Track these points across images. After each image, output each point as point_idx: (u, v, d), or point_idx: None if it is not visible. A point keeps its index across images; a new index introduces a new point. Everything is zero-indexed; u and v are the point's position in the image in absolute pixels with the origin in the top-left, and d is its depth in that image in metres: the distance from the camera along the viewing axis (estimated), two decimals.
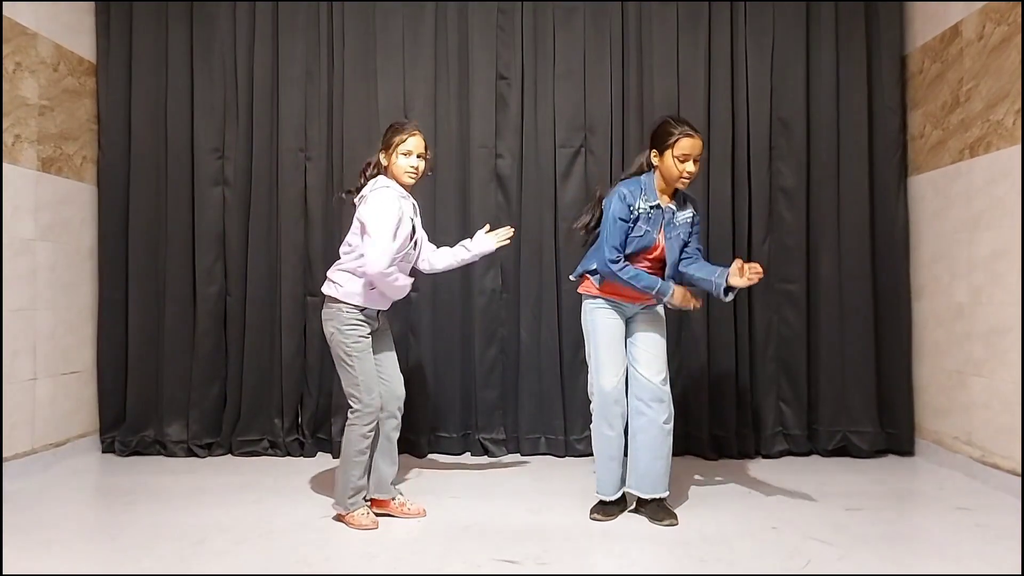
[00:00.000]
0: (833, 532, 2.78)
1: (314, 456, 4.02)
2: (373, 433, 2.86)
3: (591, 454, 3.97)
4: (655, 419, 2.91)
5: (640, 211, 2.86)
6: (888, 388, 4.06)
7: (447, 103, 4.11)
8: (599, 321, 2.95)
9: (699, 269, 2.95)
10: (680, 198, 2.98)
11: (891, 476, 3.67)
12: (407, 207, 2.88)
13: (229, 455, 4.05)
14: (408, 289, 2.93)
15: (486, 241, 3.12)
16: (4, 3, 3.48)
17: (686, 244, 2.98)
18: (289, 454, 4.03)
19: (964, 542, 2.69)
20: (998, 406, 3.43)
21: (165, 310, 4.06)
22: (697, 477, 3.61)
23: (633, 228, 2.86)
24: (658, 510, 2.92)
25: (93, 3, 4.15)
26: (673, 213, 2.92)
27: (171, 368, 4.06)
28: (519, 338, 4.07)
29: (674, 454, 3.96)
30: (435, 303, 4.07)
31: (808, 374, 4.07)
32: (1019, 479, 3.24)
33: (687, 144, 2.81)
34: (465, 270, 4.09)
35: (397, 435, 2.99)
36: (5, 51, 3.50)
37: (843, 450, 4.01)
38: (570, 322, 4.04)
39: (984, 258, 3.52)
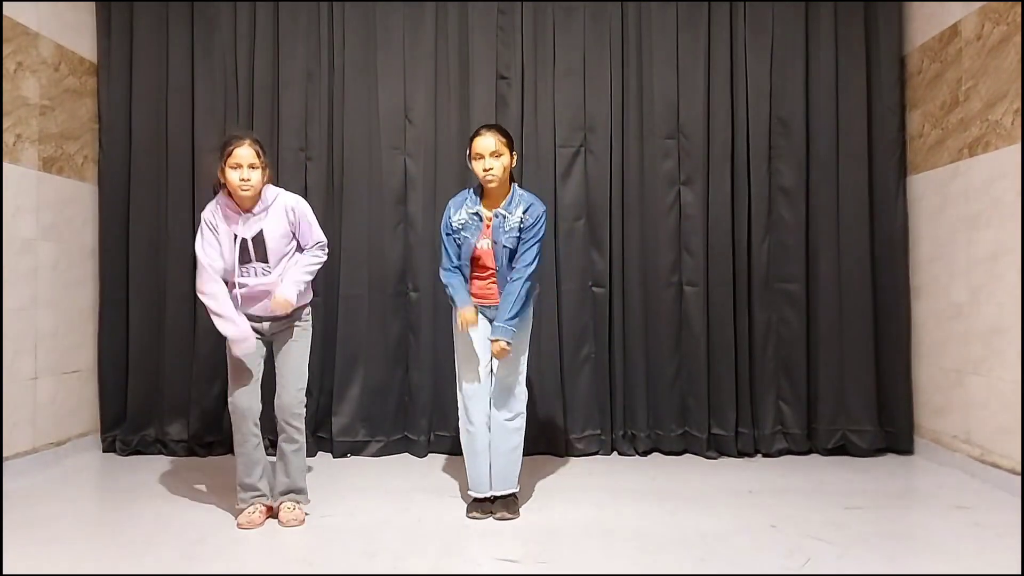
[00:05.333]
0: (832, 530, 2.78)
1: (314, 455, 4.03)
2: (243, 433, 2.87)
3: (592, 453, 4.02)
4: (497, 418, 2.97)
5: (459, 222, 2.96)
6: (887, 387, 4.06)
7: (447, 103, 4.11)
8: (456, 328, 3.04)
9: (504, 297, 2.95)
10: (516, 202, 2.95)
11: (890, 475, 3.67)
12: (228, 227, 2.83)
13: (230, 454, 4.02)
14: (247, 302, 2.87)
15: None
16: (5, 3, 3.49)
17: (522, 241, 2.94)
18: None
19: (963, 541, 2.69)
20: (997, 405, 3.43)
21: (166, 309, 4.07)
22: (697, 476, 3.62)
23: (459, 238, 2.97)
24: (500, 507, 2.96)
25: (94, 3, 4.16)
26: (504, 219, 2.93)
27: (172, 367, 4.07)
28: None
29: (674, 453, 4.02)
30: (435, 303, 4.07)
31: (807, 373, 4.08)
32: (1018, 478, 3.24)
33: (476, 144, 2.92)
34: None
35: (290, 448, 2.92)
36: (6, 51, 3.51)
37: (842, 449, 4.02)
38: (569, 322, 4.04)
39: (983, 257, 3.53)
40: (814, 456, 4.03)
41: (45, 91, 3.79)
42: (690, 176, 4.07)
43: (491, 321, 3.01)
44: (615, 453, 4.06)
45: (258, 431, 2.93)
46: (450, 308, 4.04)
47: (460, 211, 2.99)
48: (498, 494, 2.97)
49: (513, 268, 2.94)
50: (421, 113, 4.10)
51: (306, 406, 2.96)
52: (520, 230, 2.93)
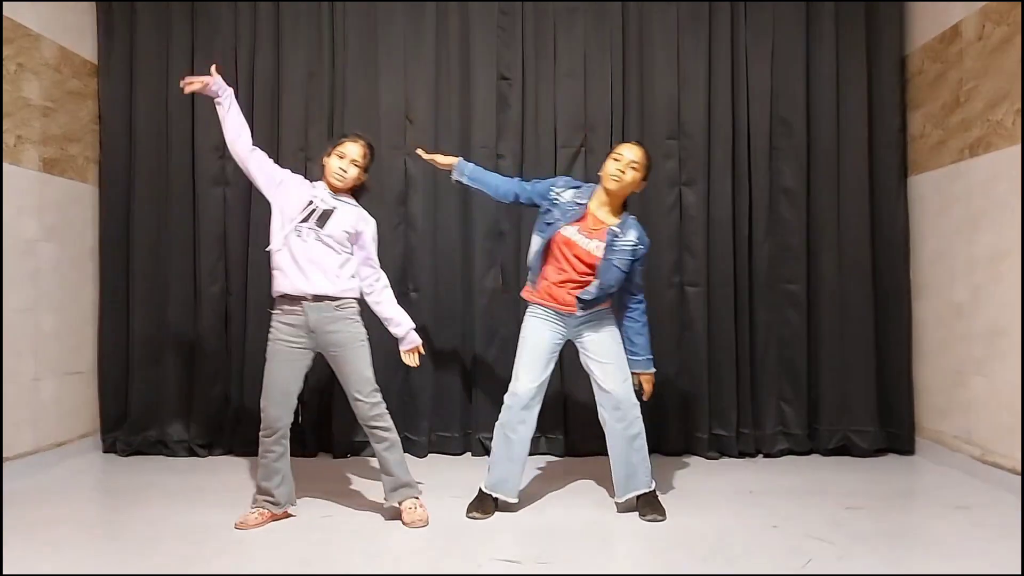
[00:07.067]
0: (834, 531, 2.78)
1: (315, 455, 4.03)
2: (267, 444, 2.85)
3: (592, 453, 4.01)
4: (616, 429, 2.97)
5: (561, 198, 2.97)
6: (889, 387, 4.06)
7: (448, 103, 4.12)
8: (529, 326, 3.03)
9: (632, 334, 3.03)
10: (627, 223, 2.96)
11: (891, 475, 3.67)
12: (310, 190, 2.91)
13: (230, 455, 4.05)
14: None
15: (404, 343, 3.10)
16: (6, 4, 3.49)
17: (627, 275, 2.95)
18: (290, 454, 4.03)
19: (964, 541, 2.69)
20: (998, 405, 3.43)
21: (167, 310, 4.07)
22: (698, 476, 3.61)
23: (549, 214, 2.97)
24: (645, 505, 2.97)
25: (95, 4, 4.16)
26: (615, 236, 2.92)
27: (173, 368, 4.07)
28: (519, 337, 4.07)
29: (675, 453, 4.02)
30: (436, 303, 4.07)
31: (809, 373, 4.07)
32: (1019, 478, 3.24)
33: (623, 148, 2.97)
34: (466, 270, 4.10)
35: (381, 447, 2.91)
36: (8, 52, 3.51)
37: (843, 449, 4.02)
38: None
39: (984, 258, 3.53)
40: (815, 456, 4.03)
41: (46, 92, 3.79)
42: (691, 176, 4.07)
43: (576, 336, 3.03)
44: None
45: (286, 442, 2.91)
46: (450, 308, 4.08)
47: (567, 191, 2.99)
48: (624, 498, 3.00)
49: (630, 295, 3.01)
50: (422, 113, 4.10)
51: (384, 405, 2.96)
52: (632, 255, 2.94)
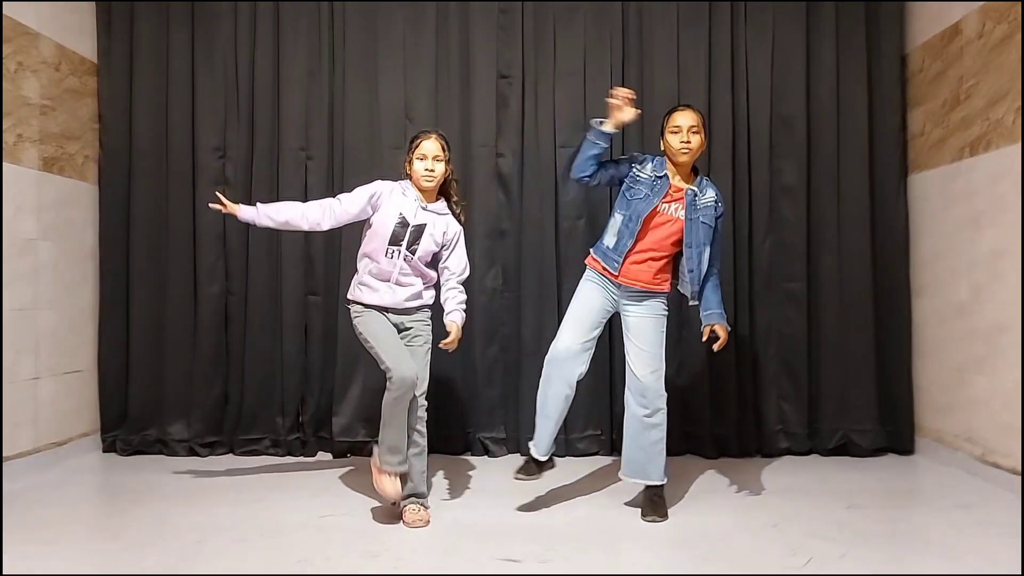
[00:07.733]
0: (834, 530, 2.78)
1: (315, 455, 4.03)
2: (400, 402, 2.81)
3: (592, 453, 4.02)
4: (636, 412, 2.96)
5: (643, 176, 2.97)
6: (889, 386, 4.06)
7: (448, 102, 4.11)
8: (583, 288, 3.06)
9: (706, 292, 3.02)
10: (703, 183, 2.99)
11: (892, 474, 3.67)
12: (401, 202, 2.95)
13: (231, 454, 4.05)
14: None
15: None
16: (5, 3, 3.49)
17: (714, 232, 2.97)
18: (290, 453, 4.03)
19: (964, 540, 2.69)
20: (999, 404, 3.43)
21: (167, 309, 4.07)
22: (698, 476, 3.61)
23: (633, 190, 2.97)
24: (647, 504, 2.96)
25: (94, 3, 4.15)
26: (695, 195, 2.95)
27: (173, 367, 4.07)
28: (520, 337, 4.07)
29: (675, 453, 4.01)
30: (437, 302, 4.06)
31: (809, 372, 4.07)
32: (1019, 477, 3.24)
33: (676, 117, 2.96)
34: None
35: (412, 451, 2.90)
36: (7, 51, 3.51)
37: (843, 448, 4.01)
38: None
39: (985, 256, 3.52)
40: (814, 456, 4.02)
41: (46, 91, 3.78)
42: None
43: (621, 310, 3.03)
44: (616, 453, 4.05)
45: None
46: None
47: (646, 165, 2.99)
48: (633, 480, 3.01)
49: (707, 262, 2.98)
50: (422, 112, 4.10)
51: (427, 410, 2.96)
52: (715, 211, 2.97)
